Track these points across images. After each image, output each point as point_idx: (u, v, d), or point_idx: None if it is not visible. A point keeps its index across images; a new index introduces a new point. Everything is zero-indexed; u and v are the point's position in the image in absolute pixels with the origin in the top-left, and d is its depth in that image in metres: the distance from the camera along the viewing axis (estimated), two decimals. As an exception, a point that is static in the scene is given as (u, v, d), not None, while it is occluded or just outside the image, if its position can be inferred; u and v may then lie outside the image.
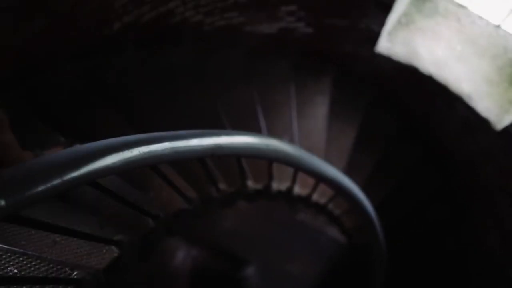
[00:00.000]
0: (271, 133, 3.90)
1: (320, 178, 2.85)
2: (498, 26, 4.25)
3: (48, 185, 1.06)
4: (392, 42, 4.23)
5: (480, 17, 4.31)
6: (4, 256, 1.94)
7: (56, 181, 1.08)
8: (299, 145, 4.06)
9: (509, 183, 3.83)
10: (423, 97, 4.45)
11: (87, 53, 3.22)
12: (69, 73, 3.12)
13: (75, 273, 1.92)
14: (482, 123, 3.86)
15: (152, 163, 1.48)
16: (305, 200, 3.85)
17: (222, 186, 3.00)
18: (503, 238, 4.06)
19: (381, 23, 3.91)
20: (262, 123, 3.92)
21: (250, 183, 3.31)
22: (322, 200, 3.96)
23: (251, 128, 3.89)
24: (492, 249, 4.22)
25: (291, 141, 4.06)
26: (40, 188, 1.04)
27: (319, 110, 4.43)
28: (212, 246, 5.64)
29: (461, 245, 4.81)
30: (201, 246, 5.57)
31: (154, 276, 4.96)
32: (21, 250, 1.91)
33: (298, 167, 2.62)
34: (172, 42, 3.83)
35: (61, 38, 2.94)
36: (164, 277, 5.29)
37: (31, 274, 1.85)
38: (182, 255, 5.42)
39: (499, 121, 3.78)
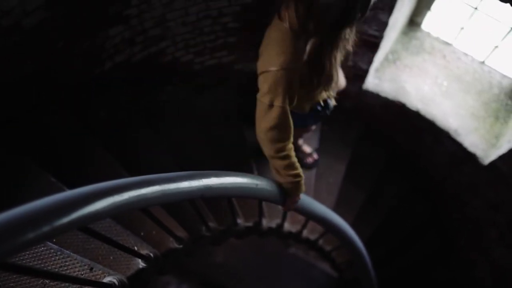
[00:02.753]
0: (261, 171, 3.92)
1: (309, 216, 2.87)
2: (483, 62, 4.35)
3: (38, 232, 1.07)
4: (380, 79, 4.30)
5: (465, 54, 4.41)
6: (-9, 300, 1.93)
7: (46, 228, 1.08)
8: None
9: (497, 217, 3.87)
10: (411, 132, 4.50)
11: (78, 93, 3.25)
12: (60, 113, 3.14)
13: (63, 317, 1.91)
14: (469, 157, 3.91)
15: (142, 207, 1.49)
16: (296, 237, 3.85)
17: (212, 224, 3.00)
18: (492, 270, 4.08)
19: (369, 61, 3.98)
20: (253, 163, 3.94)
21: (240, 221, 3.32)
22: (313, 237, 3.97)
23: (242, 166, 3.90)
24: (483, 281, 4.23)
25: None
26: (30, 235, 1.05)
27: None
28: (204, 281, 5.60)
29: (452, 277, 4.81)
30: (192, 281, 5.53)
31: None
32: (10, 293, 1.90)
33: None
34: (163, 81, 3.88)
35: (50, 79, 2.97)
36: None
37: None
38: (173, 291, 5.38)
39: (486, 156, 3.84)
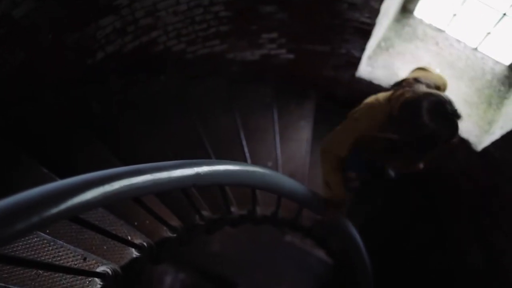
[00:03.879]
0: (255, 159, 3.92)
1: (303, 204, 2.87)
2: (475, 49, 4.35)
3: (27, 223, 1.07)
4: (373, 66, 4.29)
5: (458, 40, 4.41)
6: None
7: (35, 219, 1.08)
8: (282, 169, 4.09)
9: (490, 202, 3.88)
10: (404, 119, 4.50)
11: (71, 84, 3.24)
12: (52, 103, 3.13)
13: (57, 307, 1.91)
14: (462, 144, 3.91)
15: (133, 196, 1.49)
16: (291, 224, 3.86)
17: (205, 213, 3.00)
18: (486, 255, 4.10)
19: (362, 48, 3.98)
20: (246, 149, 3.94)
21: (234, 209, 3.32)
22: (308, 224, 3.97)
23: (235, 154, 3.91)
24: (477, 266, 4.25)
25: (274, 165, 4.08)
26: (19, 226, 1.05)
27: (303, 134, 4.46)
28: (200, 270, 5.61)
29: (447, 263, 4.83)
30: (189, 270, 5.54)
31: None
32: (3, 285, 1.90)
33: (280, 194, 2.64)
34: (155, 71, 3.87)
35: (43, 70, 2.96)
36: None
37: (13, 309, 1.84)
38: (170, 279, 5.38)
39: (479, 142, 3.84)
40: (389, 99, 2.37)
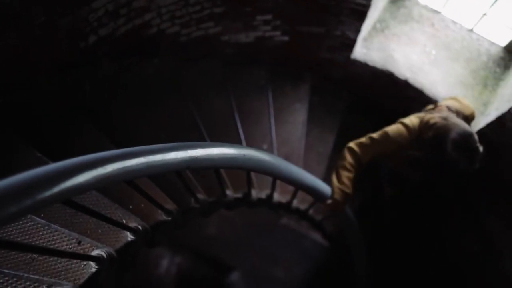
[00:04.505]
0: (250, 141, 3.91)
1: (299, 186, 2.87)
2: (471, 30, 4.32)
3: (20, 206, 1.06)
4: (368, 48, 4.27)
5: (454, 22, 4.38)
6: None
7: (27, 202, 1.07)
8: (278, 152, 4.08)
9: (485, 184, 3.89)
10: (399, 101, 4.49)
11: (64, 68, 3.21)
12: (46, 88, 3.10)
13: (52, 290, 1.91)
14: (457, 125, 3.90)
15: (127, 179, 1.48)
16: (286, 207, 3.86)
17: (201, 196, 3.00)
18: (480, 237, 4.12)
19: (357, 30, 3.95)
20: (241, 132, 3.93)
21: (230, 192, 3.32)
22: (303, 207, 3.98)
23: (230, 137, 3.90)
24: (470, 248, 4.28)
25: (270, 148, 4.08)
26: (12, 209, 1.04)
27: (298, 117, 4.46)
28: (196, 253, 5.63)
29: (443, 244, 4.85)
30: (185, 253, 5.56)
31: (139, 285, 4.95)
32: (-2, 269, 1.90)
33: (275, 176, 2.63)
34: (149, 54, 3.83)
35: (36, 54, 2.92)
36: (149, 285, 5.28)
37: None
38: (166, 263, 5.41)
39: (475, 124, 3.83)
40: (421, 120, 2.64)
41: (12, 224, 2.08)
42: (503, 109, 3.40)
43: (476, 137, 2.34)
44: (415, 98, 4.18)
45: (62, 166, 1.23)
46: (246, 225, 5.57)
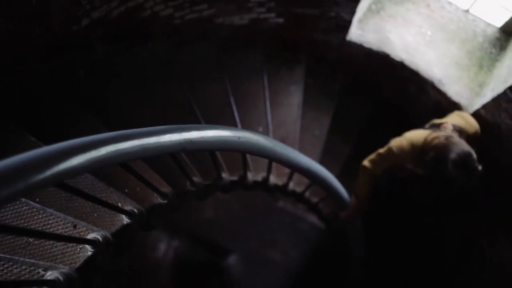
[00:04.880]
0: (246, 124, 3.90)
1: (294, 168, 2.87)
2: (467, 11, 4.31)
3: (12, 189, 1.05)
4: (363, 30, 4.25)
5: (449, 2, 4.37)
6: (-25, 260, 1.92)
7: (20, 185, 1.07)
8: (273, 134, 4.08)
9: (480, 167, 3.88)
10: (395, 82, 4.49)
11: (57, 52, 3.18)
12: (39, 72, 3.08)
13: (48, 274, 1.90)
14: (453, 106, 3.90)
15: (120, 162, 1.47)
16: (282, 190, 3.87)
17: (196, 179, 2.99)
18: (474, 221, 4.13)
19: (352, 11, 3.93)
20: (236, 115, 3.92)
21: (225, 175, 3.32)
22: (299, 189, 3.99)
23: (226, 120, 3.89)
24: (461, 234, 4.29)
25: (265, 131, 4.07)
26: (4, 192, 1.03)
27: (293, 99, 4.44)
28: (194, 236, 5.65)
29: (439, 228, 4.87)
30: (183, 237, 5.58)
31: (136, 269, 4.97)
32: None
33: (271, 158, 2.63)
34: (143, 37, 3.80)
35: (28, 37, 2.89)
36: (146, 269, 5.30)
37: (3, 277, 1.83)
38: (163, 246, 5.43)
39: (470, 105, 3.84)
40: (425, 139, 2.79)
41: (7, 208, 2.08)
42: (499, 90, 3.39)
43: (475, 156, 2.48)
44: (410, 79, 4.18)
45: (55, 149, 1.21)
46: (243, 208, 5.59)
